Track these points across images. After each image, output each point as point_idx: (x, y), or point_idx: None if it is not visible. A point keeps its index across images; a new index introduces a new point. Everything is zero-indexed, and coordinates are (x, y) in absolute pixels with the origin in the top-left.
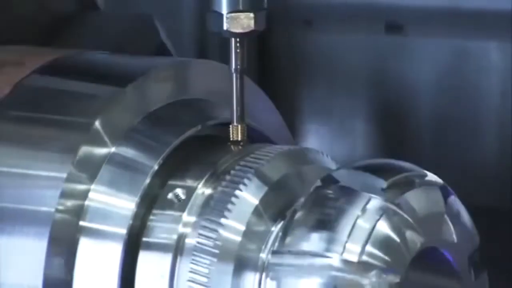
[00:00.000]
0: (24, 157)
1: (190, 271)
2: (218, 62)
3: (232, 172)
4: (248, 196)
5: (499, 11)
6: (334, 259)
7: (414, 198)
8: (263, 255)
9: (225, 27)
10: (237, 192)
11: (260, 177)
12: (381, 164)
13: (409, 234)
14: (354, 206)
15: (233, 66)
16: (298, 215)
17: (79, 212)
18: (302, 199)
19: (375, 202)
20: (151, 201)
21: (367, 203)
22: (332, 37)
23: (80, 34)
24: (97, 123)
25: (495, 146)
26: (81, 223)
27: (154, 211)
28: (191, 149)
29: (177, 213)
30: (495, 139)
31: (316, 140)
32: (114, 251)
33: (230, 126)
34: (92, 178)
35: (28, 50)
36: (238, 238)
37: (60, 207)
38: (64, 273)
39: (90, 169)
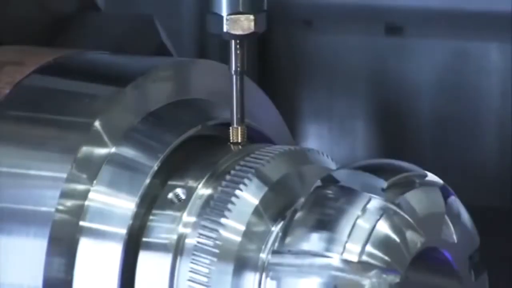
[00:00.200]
0: (24, 157)
1: (190, 271)
2: (218, 62)
3: (232, 172)
4: (248, 196)
5: (499, 12)
6: (334, 259)
7: (414, 198)
8: (263, 255)
9: (225, 29)
10: (237, 192)
11: (260, 177)
12: (381, 164)
13: (409, 234)
14: (354, 206)
15: (233, 68)
16: (298, 215)
17: (79, 212)
18: (302, 199)
19: (375, 202)
20: (151, 201)
21: (367, 203)
22: (332, 38)
23: (80, 34)
24: (97, 123)
25: (495, 146)
26: (81, 223)
27: (154, 211)
28: (191, 149)
29: (177, 213)
30: (495, 139)
31: (316, 140)
32: (114, 251)
33: (230, 128)
34: (92, 178)
35: (28, 50)
36: (238, 238)
37: (60, 207)
38: (64, 273)
39: (90, 169)
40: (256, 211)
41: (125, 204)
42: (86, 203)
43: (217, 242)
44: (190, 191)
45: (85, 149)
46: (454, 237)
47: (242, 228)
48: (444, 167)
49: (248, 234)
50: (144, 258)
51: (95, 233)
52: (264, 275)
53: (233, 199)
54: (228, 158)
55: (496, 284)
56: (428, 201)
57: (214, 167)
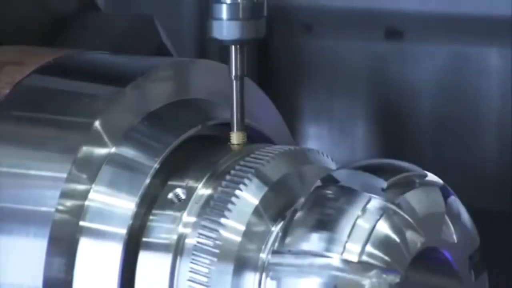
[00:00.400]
0: (24, 157)
1: (190, 271)
2: (218, 62)
3: (232, 172)
4: (248, 196)
5: (499, 17)
6: (334, 259)
7: (414, 198)
8: (263, 255)
9: (225, 35)
10: (237, 192)
11: (260, 177)
12: (381, 164)
13: (409, 234)
14: (354, 206)
15: (233, 73)
16: (298, 215)
17: (79, 212)
18: (302, 199)
19: (375, 202)
20: (151, 201)
21: (367, 203)
22: (332, 42)
23: (80, 34)
24: (97, 123)
25: (495, 146)
26: (81, 223)
27: (154, 211)
28: (191, 149)
29: (177, 213)
30: (495, 139)
31: (315, 142)
32: (114, 251)
33: (230, 133)
34: (92, 178)
35: (28, 50)
36: (238, 238)
37: (60, 207)
38: (64, 273)
39: (90, 169)
40: (256, 211)
41: (125, 204)
42: (86, 203)
43: (217, 242)
44: (190, 191)
45: (85, 149)
46: (454, 237)
47: (242, 228)
48: (444, 167)
49: (248, 234)
50: (144, 258)
51: (95, 233)
52: (264, 275)
53: (233, 199)
54: (228, 158)
55: (496, 284)
56: (428, 201)
57: (214, 167)
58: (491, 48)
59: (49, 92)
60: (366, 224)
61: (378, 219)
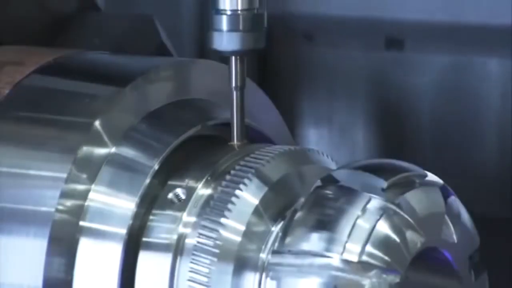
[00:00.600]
0: (24, 157)
1: (190, 271)
2: (218, 62)
3: (232, 172)
4: (248, 196)
5: (499, 26)
6: (334, 259)
7: (414, 198)
8: (263, 255)
9: (225, 46)
10: (237, 192)
11: (260, 177)
12: (381, 164)
13: (409, 234)
14: (354, 206)
15: (233, 84)
16: (298, 215)
17: (79, 212)
18: (302, 199)
19: (375, 202)
20: (151, 201)
21: (367, 203)
22: (332, 51)
23: (80, 34)
24: (97, 123)
25: (495, 146)
26: (81, 223)
27: (154, 211)
28: (191, 149)
29: (177, 213)
30: (496, 139)
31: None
32: (114, 251)
33: (230, 144)
34: (92, 178)
35: (28, 50)
36: (238, 238)
37: (60, 207)
38: (64, 273)
39: (90, 169)
40: (256, 211)
41: (125, 204)
42: (86, 203)
43: (217, 242)
44: (190, 191)
45: (85, 149)
46: (454, 237)
47: (242, 228)
48: (444, 167)
49: (248, 234)
50: (144, 258)
51: (95, 233)
52: (264, 275)
53: (233, 199)
54: (228, 158)
55: (496, 284)
56: (428, 201)
57: (214, 167)
58: (491, 57)
59: (49, 92)
60: (366, 224)
61: (378, 219)
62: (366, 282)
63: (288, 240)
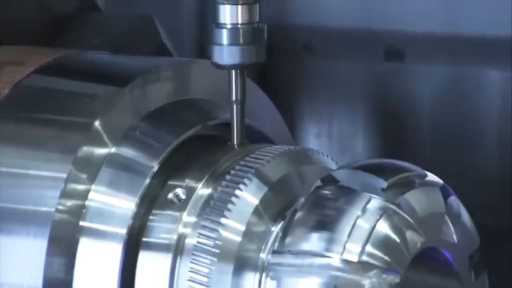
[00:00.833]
0: (24, 157)
1: (190, 271)
2: None
3: (232, 172)
4: (248, 196)
5: (499, 38)
6: (334, 259)
7: (414, 198)
8: (263, 255)
9: (225, 59)
10: (237, 192)
11: (260, 177)
12: (381, 164)
13: (409, 234)
14: (354, 206)
15: (233, 98)
16: (298, 215)
17: (79, 212)
18: (302, 199)
19: (375, 202)
20: (151, 201)
21: (367, 203)
22: (332, 62)
23: (80, 34)
24: (97, 123)
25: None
26: (81, 223)
27: (154, 211)
28: (191, 149)
29: (177, 213)
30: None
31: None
32: (114, 251)
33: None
34: (92, 178)
35: (28, 50)
36: (238, 238)
37: (60, 207)
38: (64, 273)
39: (90, 169)
40: (256, 211)
41: (125, 204)
42: (86, 203)
43: (217, 242)
44: (190, 191)
45: (85, 149)
46: (454, 237)
47: (242, 228)
48: (444, 167)
49: (248, 234)
50: (144, 258)
51: (95, 233)
52: (264, 275)
53: (233, 199)
54: (228, 158)
55: (496, 284)
56: (428, 201)
57: (214, 167)
58: (491, 68)
59: (49, 92)
60: (366, 224)
61: (378, 219)
62: (366, 282)
63: (288, 240)
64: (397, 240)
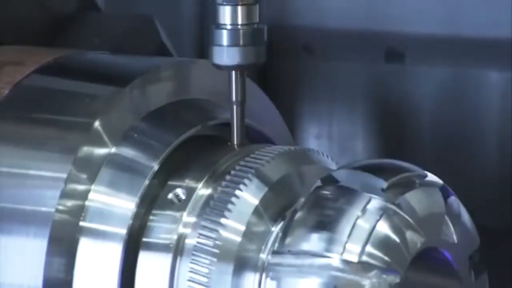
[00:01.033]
0: (24, 157)
1: (190, 271)
2: None
3: (232, 172)
4: (248, 196)
5: (499, 39)
6: (334, 259)
7: (414, 198)
8: (263, 255)
9: (225, 60)
10: (237, 192)
11: (260, 177)
12: (381, 164)
13: (409, 234)
14: (354, 206)
15: (234, 99)
16: (298, 215)
17: (79, 212)
18: (302, 199)
19: (375, 202)
20: (151, 201)
21: (367, 203)
22: (333, 64)
23: (80, 34)
24: (97, 123)
25: (496, 146)
26: (81, 223)
27: (154, 211)
28: (191, 149)
29: (177, 213)
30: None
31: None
32: (114, 251)
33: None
34: (92, 178)
35: (28, 50)
36: (238, 238)
37: (60, 207)
38: (64, 273)
39: (90, 169)
40: (256, 211)
41: (125, 204)
42: (86, 203)
43: (217, 242)
44: (190, 191)
45: (85, 149)
46: (454, 237)
47: (242, 228)
48: (444, 167)
49: (248, 234)
50: (144, 258)
51: (95, 233)
52: (264, 275)
53: (233, 199)
54: (228, 158)
55: (496, 284)
56: (428, 201)
57: (214, 167)
58: (491, 70)
59: (49, 92)
60: (366, 225)
61: (378, 220)
62: (366, 282)
63: (288, 240)
64: (397, 240)
